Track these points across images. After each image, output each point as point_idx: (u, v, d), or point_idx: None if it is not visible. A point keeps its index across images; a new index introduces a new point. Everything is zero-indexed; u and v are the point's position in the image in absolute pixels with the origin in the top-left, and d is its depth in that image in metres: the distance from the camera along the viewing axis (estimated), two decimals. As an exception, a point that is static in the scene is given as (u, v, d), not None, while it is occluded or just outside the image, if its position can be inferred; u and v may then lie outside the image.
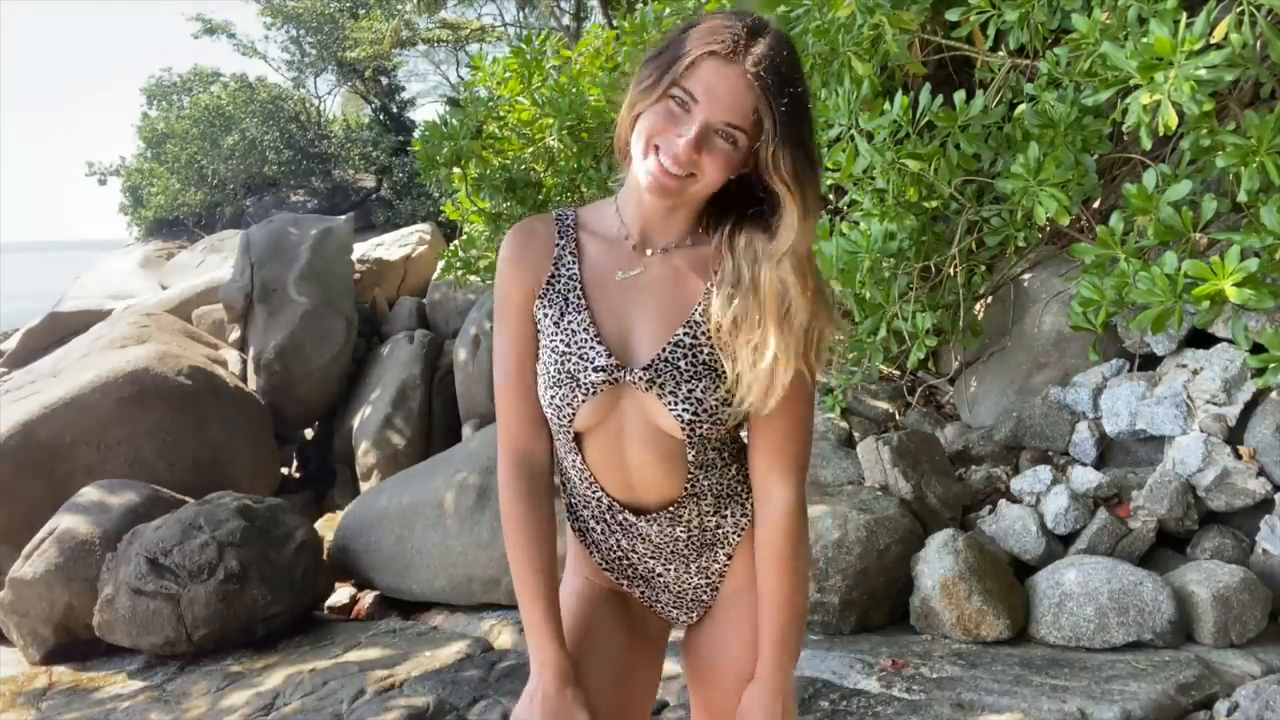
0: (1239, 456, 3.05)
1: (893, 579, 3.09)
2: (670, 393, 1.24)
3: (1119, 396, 3.34)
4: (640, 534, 1.34)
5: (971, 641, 2.89)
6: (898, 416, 4.17)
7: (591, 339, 1.25)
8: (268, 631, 4.24)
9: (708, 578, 1.39)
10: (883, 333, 3.32)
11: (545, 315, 1.28)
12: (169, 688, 3.91)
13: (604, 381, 1.24)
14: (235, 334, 8.00)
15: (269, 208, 13.49)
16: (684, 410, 1.23)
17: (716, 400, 1.24)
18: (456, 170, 4.79)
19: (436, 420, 7.05)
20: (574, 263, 1.29)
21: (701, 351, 1.25)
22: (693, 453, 1.27)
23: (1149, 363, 3.48)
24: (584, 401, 1.25)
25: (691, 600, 1.41)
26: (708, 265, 1.27)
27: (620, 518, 1.34)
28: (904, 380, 4.32)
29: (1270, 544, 2.95)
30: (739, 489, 1.35)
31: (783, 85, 1.14)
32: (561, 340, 1.26)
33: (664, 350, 1.25)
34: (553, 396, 1.27)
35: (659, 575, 1.39)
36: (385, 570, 4.66)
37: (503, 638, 3.92)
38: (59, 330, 9.93)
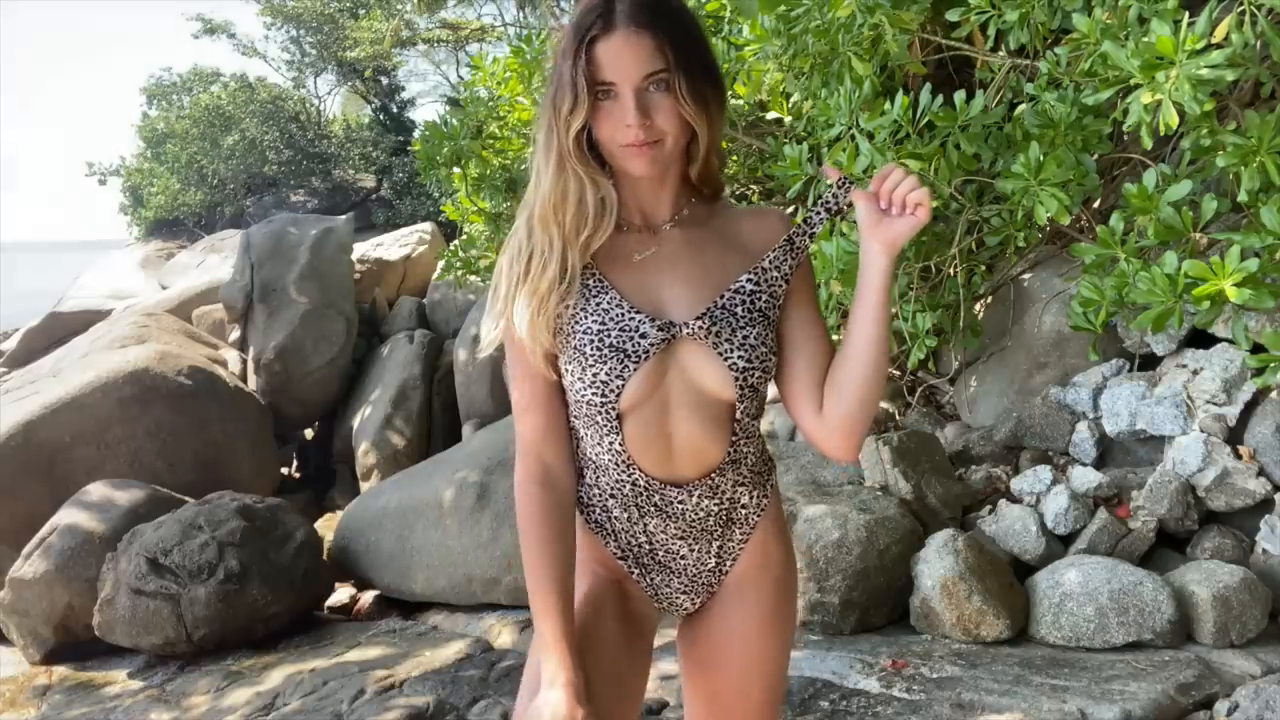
0: (1239, 456, 3.05)
1: (893, 579, 3.09)
2: (726, 340, 1.26)
3: (1119, 396, 3.34)
4: (675, 512, 1.35)
5: (971, 641, 2.89)
6: (898, 416, 4.17)
7: (628, 310, 1.28)
8: (268, 631, 4.24)
9: (720, 559, 1.41)
10: (883, 333, 3.31)
11: (567, 308, 1.29)
12: (169, 687, 3.91)
13: (661, 340, 1.26)
14: (235, 334, 8.00)
15: (269, 208, 13.49)
16: (739, 357, 1.26)
17: (767, 348, 1.29)
18: (456, 170, 4.78)
19: (436, 420, 7.06)
20: None
21: (760, 298, 1.30)
22: (742, 407, 1.29)
23: (1149, 363, 3.48)
24: (635, 370, 1.26)
25: (702, 585, 1.43)
26: (723, 222, 1.35)
27: (657, 498, 1.34)
28: (904, 380, 4.32)
29: (1270, 544, 2.95)
30: (763, 467, 1.41)
31: (656, 15, 1.21)
32: (595, 320, 1.27)
33: (722, 297, 1.28)
34: (595, 374, 1.26)
35: (680, 558, 1.40)
36: (385, 570, 4.66)
37: (503, 637, 3.93)
38: (59, 330, 9.93)
